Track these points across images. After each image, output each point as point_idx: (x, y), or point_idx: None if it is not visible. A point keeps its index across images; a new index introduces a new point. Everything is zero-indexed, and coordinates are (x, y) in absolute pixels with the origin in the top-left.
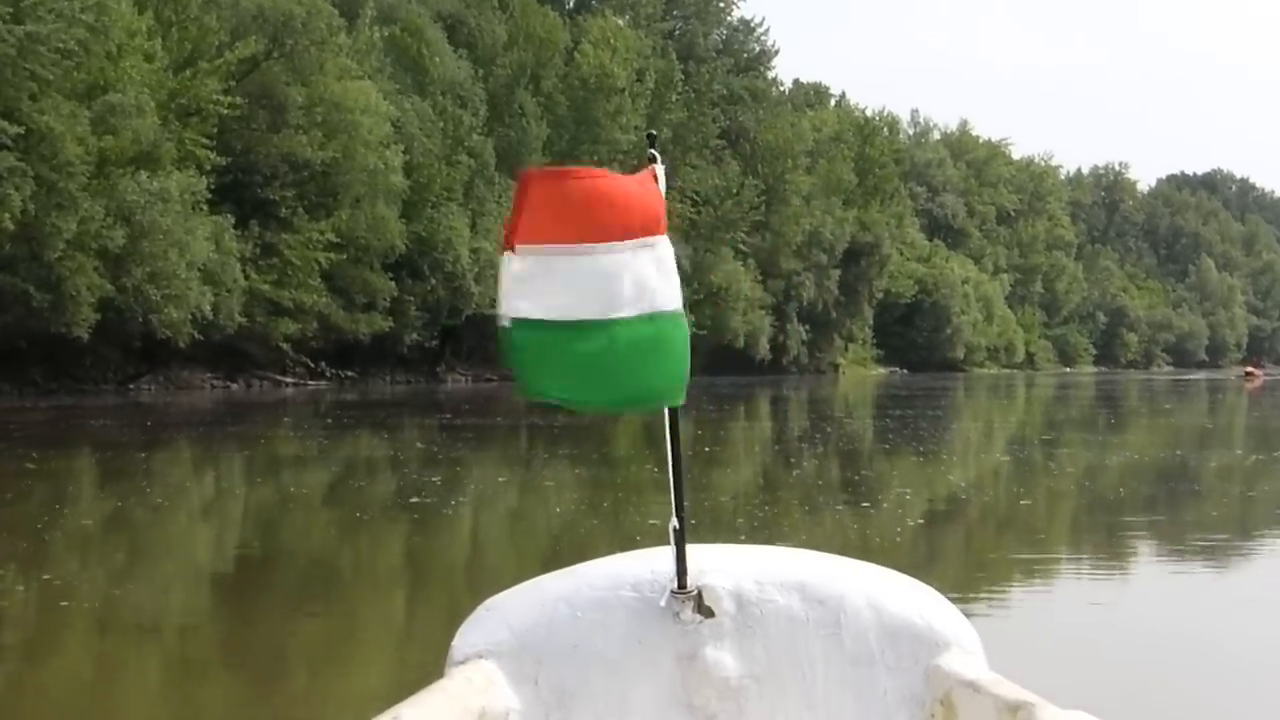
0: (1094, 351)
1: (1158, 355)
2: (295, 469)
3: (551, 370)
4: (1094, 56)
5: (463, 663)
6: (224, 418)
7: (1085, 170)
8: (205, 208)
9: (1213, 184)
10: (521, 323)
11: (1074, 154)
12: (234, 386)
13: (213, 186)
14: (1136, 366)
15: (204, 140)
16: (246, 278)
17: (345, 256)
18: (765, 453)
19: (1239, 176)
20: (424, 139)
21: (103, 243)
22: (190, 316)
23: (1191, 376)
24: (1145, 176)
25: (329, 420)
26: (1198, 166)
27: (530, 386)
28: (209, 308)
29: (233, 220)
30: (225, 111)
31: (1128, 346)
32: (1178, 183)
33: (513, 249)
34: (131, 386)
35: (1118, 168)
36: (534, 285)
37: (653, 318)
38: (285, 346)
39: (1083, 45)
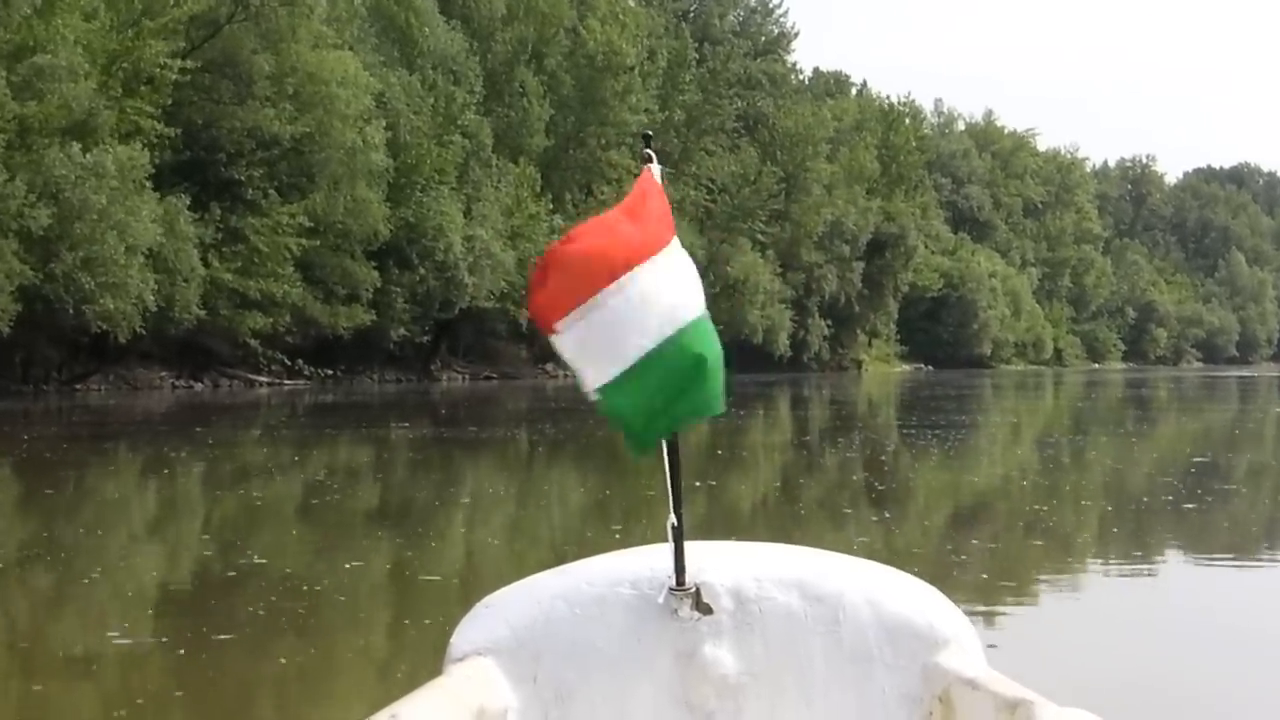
0: (1123, 347)
1: (1187, 351)
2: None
3: (648, 412)
4: (1116, 48)
5: (461, 660)
6: (140, 424)
7: (1111, 163)
8: (150, 184)
9: (1240, 177)
10: (606, 388)
11: (1097, 147)
12: (199, 386)
13: (160, 162)
14: (1165, 363)
15: (148, 109)
16: (207, 266)
17: (321, 243)
18: (791, 477)
19: (1266, 170)
20: (411, 116)
21: (25, 223)
22: (137, 308)
23: (1241, 373)
24: (1171, 170)
25: (256, 432)
26: (1224, 160)
27: (639, 442)
28: (152, 298)
29: (188, 201)
30: (175, 77)
31: (1157, 342)
32: (1204, 176)
33: (554, 331)
34: (79, 387)
35: (1145, 160)
36: (593, 350)
37: (681, 333)
38: (254, 343)
39: (1104, 36)
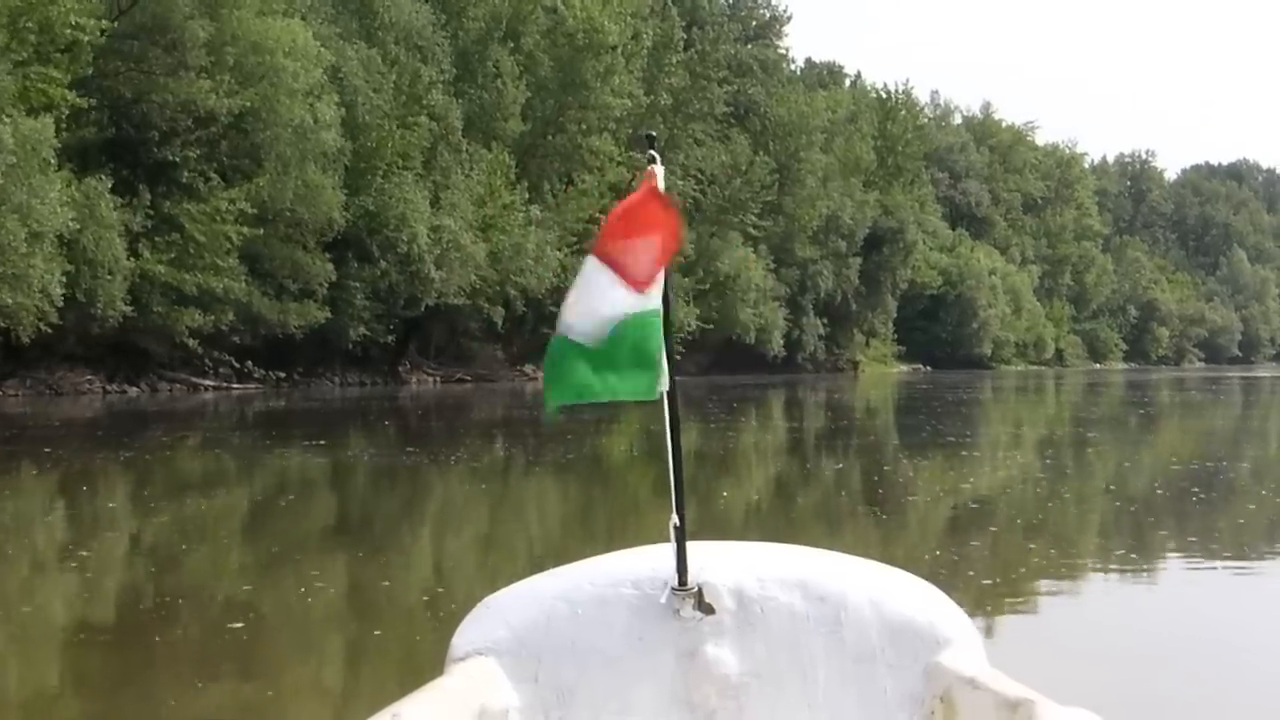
0: (1124, 347)
1: (1189, 351)
2: None
3: (568, 379)
4: (1112, 41)
5: (463, 660)
6: None
7: (1110, 159)
8: (71, 165)
9: (1239, 174)
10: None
11: (1095, 142)
12: (133, 391)
13: (83, 140)
14: (1168, 363)
15: (56, 75)
16: (136, 257)
17: (268, 232)
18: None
19: (1265, 166)
20: (371, 94)
21: None
22: (45, 303)
23: (1250, 374)
24: (1169, 166)
25: (129, 454)
26: (1222, 157)
27: (553, 398)
28: (60, 291)
29: (110, 183)
30: (89, 39)
31: (1159, 342)
32: (1204, 172)
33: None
34: None
35: (1144, 156)
36: (574, 301)
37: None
38: (193, 343)
39: (1100, 30)
